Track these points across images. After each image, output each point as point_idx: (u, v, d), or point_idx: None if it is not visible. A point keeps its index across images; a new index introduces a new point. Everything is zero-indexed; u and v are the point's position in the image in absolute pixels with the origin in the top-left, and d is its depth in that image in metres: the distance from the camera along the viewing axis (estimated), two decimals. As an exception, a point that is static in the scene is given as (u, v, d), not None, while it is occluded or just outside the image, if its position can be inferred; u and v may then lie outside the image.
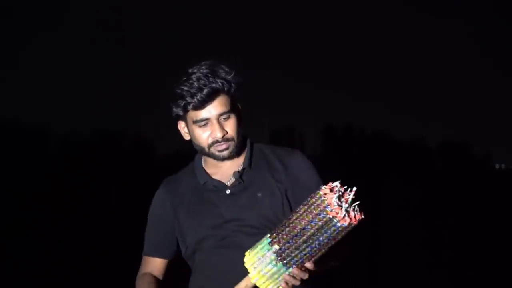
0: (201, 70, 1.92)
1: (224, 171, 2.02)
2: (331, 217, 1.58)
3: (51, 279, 7.14)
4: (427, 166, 41.60)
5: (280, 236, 1.67)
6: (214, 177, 2.03)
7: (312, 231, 1.61)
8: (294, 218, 1.65)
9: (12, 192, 18.00)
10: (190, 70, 1.93)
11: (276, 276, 1.70)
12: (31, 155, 29.02)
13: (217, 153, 1.96)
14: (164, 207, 2.08)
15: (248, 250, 1.75)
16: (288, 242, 1.65)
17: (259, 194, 1.97)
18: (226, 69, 1.94)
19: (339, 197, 1.60)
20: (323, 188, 1.62)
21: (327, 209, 1.58)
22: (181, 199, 2.05)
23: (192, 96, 1.89)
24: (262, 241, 1.73)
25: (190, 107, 1.91)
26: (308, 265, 1.68)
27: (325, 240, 1.62)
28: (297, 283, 1.71)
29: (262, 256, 1.70)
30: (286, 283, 1.71)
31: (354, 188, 1.62)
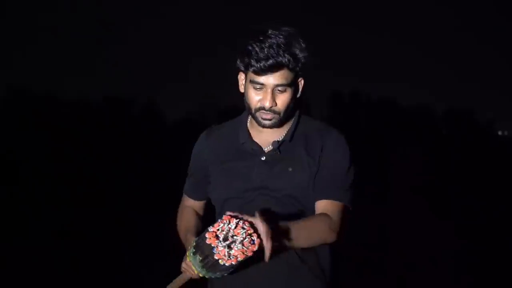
0: (277, 38, 1.89)
1: (265, 136, 2.04)
2: (217, 259, 1.59)
3: (62, 241, 7.35)
4: (433, 132, 41.43)
5: (199, 251, 1.67)
6: (255, 139, 2.04)
7: (211, 264, 1.63)
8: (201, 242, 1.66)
9: (22, 161, 17.84)
10: (270, 31, 1.90)
11: (210, 274, 1.70)
12: (41, 122, 28.80)
13: (259, 119, 1.97)
14: (201, 156, 2.13)
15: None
16: (203, 260, 1.65)
17: (290, 169, 1.97)
18: (302, 44, 1.92)
19: (225, 237, 1.57)
20: (209, 231, 1.61)
21: (213, 252, 1.59)
22: (217, 153, 2.08)
23: (257, 61, 1.88)
24: (192, 244, 1.72)
25: (251, 69, 1.91)
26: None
27: (231, 268, 1.61)
28: None
29: (193, 259, 1.70)
30: None
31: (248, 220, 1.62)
